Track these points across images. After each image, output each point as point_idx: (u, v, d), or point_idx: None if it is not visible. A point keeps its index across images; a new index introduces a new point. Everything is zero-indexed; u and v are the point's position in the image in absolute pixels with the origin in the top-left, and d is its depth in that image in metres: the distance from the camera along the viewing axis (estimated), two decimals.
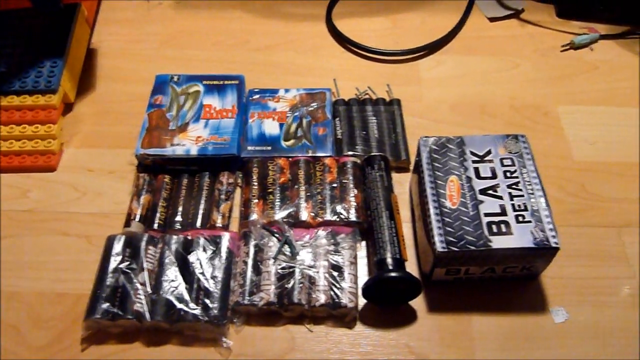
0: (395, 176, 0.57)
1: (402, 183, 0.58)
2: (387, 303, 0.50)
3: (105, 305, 0.47)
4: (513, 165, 0.51)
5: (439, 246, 0.46)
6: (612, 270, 0.52)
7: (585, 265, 0.53)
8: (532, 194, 0.49)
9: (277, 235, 0.51)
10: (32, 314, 0.49)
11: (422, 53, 0.70)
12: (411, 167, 0.58)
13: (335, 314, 0.49)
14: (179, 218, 0.53)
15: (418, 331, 0.48)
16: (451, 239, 0.47)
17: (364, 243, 0.53)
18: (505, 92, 0.67)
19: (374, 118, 0.61)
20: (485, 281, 0.51)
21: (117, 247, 0.50)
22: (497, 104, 0.65)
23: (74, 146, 0.61)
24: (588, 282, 0.51)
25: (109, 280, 0.48)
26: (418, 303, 0.50)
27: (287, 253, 0.50)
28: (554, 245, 0.46)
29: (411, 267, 0.52)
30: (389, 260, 0.48)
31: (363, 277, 0.51)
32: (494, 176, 0.50)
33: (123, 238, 0.51)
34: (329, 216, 0.53)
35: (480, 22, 0.75)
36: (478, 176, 0.50)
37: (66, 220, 0.55)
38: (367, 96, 0.64)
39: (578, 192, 0.58)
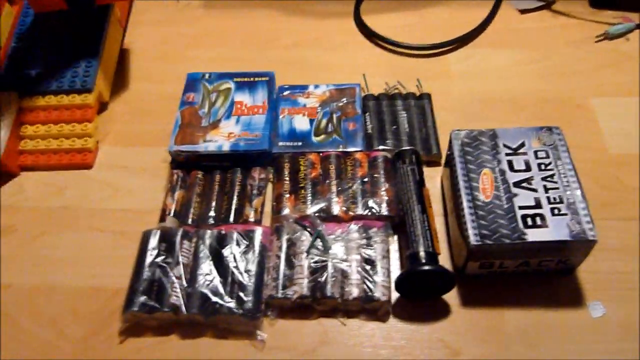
0: (426, 170, 0.57)
1: (433, 177, 0.58)
2: (420, 297, 0.49)
3: (142, 299, 0.48)
4: (547, 157, 0.50)
5: (473, 239, 0.46)
6: None
7: (621, 259, 0.51)
8: (568, 186, 0.48)
9: (309, 229, 0.52)
10: (70, 308, 0.50)
11: (451, 47, 0.70)
12: (442, 161, 0.58)
13: (368, 308, 0.49)
14: (212, 213, 0.54)
15: (451, 325, 0.48)
16: (485, 232, 0.46)
17: (396, 237, 0.53)
18: (536, 85, 0.66)
19: (404, 112, 0.61)
20: (519, 275, 0.50)
21: (153, 241, 0.51)
22: (528, 97, 0.65)
23: (108, 144, 0.63)
24: (625, 276, 0.50)
25: (146, 274, 0.49)
26: (451, 297, 0.50)
27: (320, 247, 0.50)
28: (591, 237, 0.45)
29: (444, 261, 0.51)
30: (422, 254, 0.48)
31: (396, 271, 0.51)
32: (528, 169, 0.50)
33: (158, 233, 0.52)
34: (360, 210, 0.53)
35: (510, 14, 0.74)
36: (512, 169, 0.50)
37: (102, 216, 0.56)
38: (396, 91, 0.64)
39: (613, 184, 0.57)
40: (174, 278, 0.49)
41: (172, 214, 0.54)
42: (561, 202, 0.47)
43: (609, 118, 0.62)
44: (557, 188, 0.48)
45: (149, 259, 0.50)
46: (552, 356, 0.46)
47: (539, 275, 0.50)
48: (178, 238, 0.51)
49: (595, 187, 0.56)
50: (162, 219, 0.54)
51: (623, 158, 0.59)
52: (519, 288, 0.50)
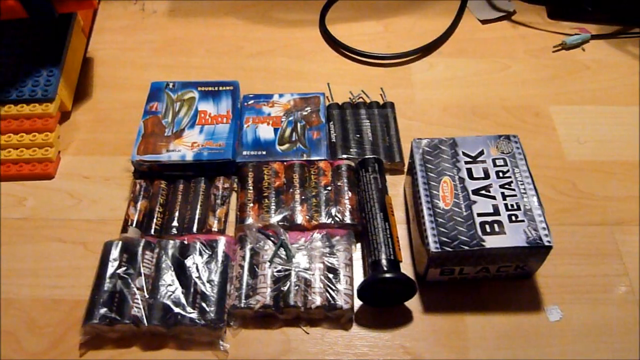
0: (389, 178, 0.58)
1: (396, 185, 0.58)
2: (382, 304, 0.50)
3: (103, 310, 0.47)
4: (505, 165, 0.51)
5: (433, 246, 0.47)
6: (605, 268, 0.52)
7: (578, 263, 0.53)
8: (525, 193, 0.50)
9: (272, 238, 0.52)
10: (28, 320, 0.49)
11: (414, 56, 0.71)
12: (405, 169, 0.59)
13: (331, 316, 0.49)
14: (175, 223, 0.54)
15: (413, 332, 0.49)
16: (445, 239, 0.47)
17: (359, 245, 0.54)
18: (497, 93, 0.67)
19: (368, 121, 0.62)
20: (479, 281, 0.51)
21: (115, 252, 0.50)
22: (489, 105, 0.66)
23: (70, 154, 0.62)
24: (582, 280, 0.52)
25: (107, 286, 0.48)
26: (413, 304, 0.50)
27: (283, 256, 0.51)
28: (547, 244, 0.46)
29: (406, 268, 0.52)
30: (384, 262, 0.48)
31: (358, 278, 0.51)
32: (486, 176, 0.51)
33: (120, 244, 0.51)
34: (324, 219, 0.53)
35: (472, 24, 0.76)
36: (471, 177, 0.51)
37: (63, 227, 0.56)
38: (360, 100, 0.65)
39: (570, 191, 0.58)
40: (135, 289, 0.48)
41: (134, 224, 0.54)
42: (518, 209, 0.49)
43: (566, 125, 0.64)
44: (514, 195, 0.49)
45: (110, 270, 0.49)
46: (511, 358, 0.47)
47: (499, 281, 0.51)
48: (140, 249, 0.51)
49: (553, 193, 0.58)
50: (124, 229, 0.53)
51: (579, 164, 0.60)
52: (479, 293, 0.51)
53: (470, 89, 0.68)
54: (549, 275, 0.52)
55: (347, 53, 0.72)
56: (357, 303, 0.50)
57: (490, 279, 0.51)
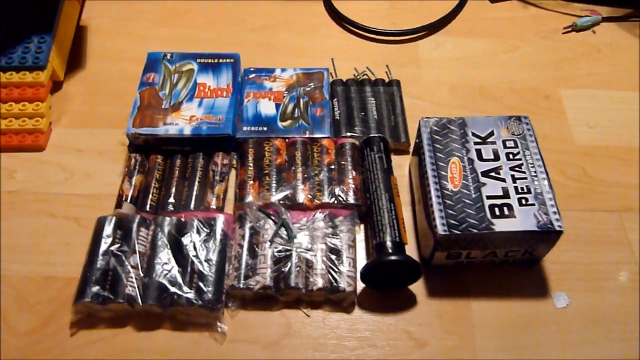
0: (394, 158, 0.56)
1: (401, 166, 0.57)
2: (386, 287, 0.48)
3: (95, 289, 0.45)
4: (516, 147, 0.50)
5: (440, 229, 0.45)
6: (613, 255, 0.51)
7: (586, 250, 0.52)
8: (536, 176, 0.48)
9: (273, 217, 0.50)
10: (18, 298, 0.48)
11: (421, 34, 0.69)
12: (411, 149, 0.57)
13: (333, 299, 0.47)
14: (171, 200, 0.52)
15: (417, 316, 0.47)
16: (452, 221, 0.45)
17: (362, 226, 0.52)
18: (505, 74, 0.65)
19: (373, 99, 0.60)
20: (486, 266, 0.50)
21: (108, 229, 0.48)
22: (497, 86, 0.64)
23: (62, 125, 0.60)
24: (589, 267, 0.51)
25: (100, 263, 0.47)
26: (418, 287, 0.49)
27: (284, 236, 0.49)
28: (557, 228, 0.45)
29: (411, 251, 0.50)
30: (389, 244, 0.47)
31: (362, 260, 0.50)
32: (496, 158, 0.49)
33: (114, 220, 0.49)
34: (326, 198, 0.51)
35: (481, 3, 0.73)
36: (480, 158, 0.49)
37: (54, 201, 0.54)
38: (365, 77, 0.63)
39: (579, 176, 0.57)
40: (129, 267, 0.47)
41: (129, 200, 0.52)
42: (529, 192, 0.47)
43: (576, 109, 0.62)
44: (525, 178, 0.48)
45: (103, 247, 0.47)
46: (518, 346, 0.46)
47: (506, 266, 0.50)
48: (135, 225, 0.49)
49: (562, 178, 0.56)
50: (119, 205, 0.51)
51: (589, 149, 0.59)
52: (485, 279, 0.49)
53: (478, 70, 0.66)
54: (556, 261, 0.51)
55: (352, 28, 0.69)
56: (360, 286, 0.48)
57: (497, 263, 0.50)
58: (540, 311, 0.48)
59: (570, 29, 0.70)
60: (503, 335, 0.47)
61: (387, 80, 0.63)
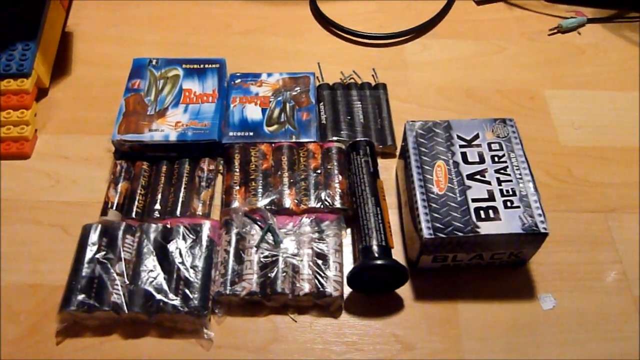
0: (380, 162, 0.56)
1: (388, 169, 0.57)
2: (373, 291, 0.48)
3: (81, 297, 0.45)
4: (501, 149, 0.50)
5: (426, 232, 0.45)
6: (599, 255, 0.51)
7: (572, 250, 0.52)
8: (521, 178, 0.48)
9: (259, 223, 0.50)
10: (3, 306, 0.47)
11: (408, 37, 0.69)
12: (397, 153, 0.57)
13: (320, 303, 0.47)
14: (157, 206, 0.52)
15: (404, 320, 0.47)
16: (438, 225, 0.45)
17: (349, 230, 0.52)
18: (491, 76, 0.66)
19: (359, 103, 0.60)
20: (472, 268, 0.50)
21: (94, 236, 0.48)
22: (483, 88, 0.64)
23: (48, 132, 0.59)
24: (576, 267, 0.51)
25: (85, 271, 0.46)
26: (404, 291, 0.49)
27: (270, 241, 0.49)
28: (542, 231, 0.45)
29: (397, 255, 0.50)
30: (375, 248, 0.47)
31: (348, 265, 0.50)
32: (481, 161, 0.49)
33: (99, 227, 0.49)
34: (313, 203, 0.51)
35: (467, 5, 0.74)
36: (465, 161, 0.49)
37: (40, 209, 0.53)
38: (352, 80, 0.63)
39: (565, 176, 0.57)
40: (115, 275, 0.46)
41: (114, 207, 0.51)
42: (514, 194, 0.47)
43: (561, 110, 0.62)
44: (510, 181, 0.48)
45: (88, 254, 0.47)
46: (505, 348, 0.46)
47: (492, 268, 0.50)
48: (120, 232, 0.48)
49: (547, 179, 0.56)
50: (104, 212, 0.51)
51: (574, 150, 0.59)
52: (472, 281, 0.49)
53: (465, 72, 0.66)
54: (542, 262, 0.51)
55: (339, 32, 0.69)
56: (347, 290, 0.48)
57: (484, 266, 0.50)
58: (527, 313, 0.48)
59: (555, 31, 0.70)
60: (490, 337, 0.47)
61: (373, 83, 0.63)
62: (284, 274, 0.47)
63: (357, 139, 0.55)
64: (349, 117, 0.59)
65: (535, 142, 0.59)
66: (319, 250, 0.49)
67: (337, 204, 0.51)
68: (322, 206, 0.51)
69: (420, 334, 0.47)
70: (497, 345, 0.46)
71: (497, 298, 0.49)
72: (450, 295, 0.49)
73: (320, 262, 0.48)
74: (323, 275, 0.47)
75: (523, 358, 0.46)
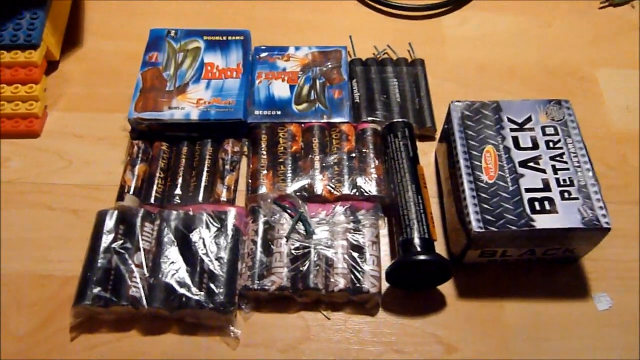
0: (418, 145, 0.51)
1: (426, 153, 0.53)
2: (413, 287, 0.45)
3: (96, 290, 0.41)
4: (556, 134, 0.45)
5: (475, 226, 0.41)
6: None
7: (629, 246, 0.48)
8: (579, 167, 0.44)
9: (289, 211, 0.46)
10: (13, 298, 0.44)
11: (446, 9, 0.64)
12: (437, 136, 0.53)
13: (356, 300, 0.44)
14: (178, 191, 0.48)
15: (447, 319, 0.44)
16: (489, 217, 0.41)
17: (386, 220, 0.48)
18: (537, 53, 0.61)
19: (395, 80, 0.56)
20: (521, 264, 0.46)
21: (109, 223, 0.45)
22: (528, 66, 0.60)
23: (59, 109, 0.55)
24: (633, 265, 0.47)
25: (101, 262, 0.43)
26: (447, 288, 0.45)
27: (301, 231, 0.45)
28: (605, 225, 0.41)
29: (439, 248, 0.46)
30: (417, 241, 0.43)
31: (386, 258, 0.46)
32: (535, 146, 0.45)
33: (115, 213, 0.45)
34: (347, 190, 0.47)
35: None
36: (517, 146, 0.45)
37: (51, 192, 0.50)
38: (386, 56, 0.59)
39: (619, 165, 0.53)
40: (133, 266, 0.43)
41: (131, 191, 0.48)
42: (572, 184, 0.43)
43: (614, 91, 0.58)
44: (567, 169, 0.44)
45: (104, 243, 0.44)
46: (556, 352, 0.43)
47: (541, 264, 0.46)
48: (138, 220, 0.45)
49: (600, 167, 0.52)
50: (121, 197, 0.47)
51: (629, 135, 0.55)
52: (519, 278, 0.46)
53: (508, 48, 0.61)
54: (597, 258, 0.47)
55: (372, 3, 0.65)
56: (385, 286, 0.44)
57: (534, 261, 0.45)
58: (580, 314, 0.44)
59: (607, 4, 0.65)
60: (539, 339, 0.43)
61: (410, 59, 0.58)
62: (317, 267, 0.43)
63: (395, 120, 0.51)
64: (384, 96, 0.54)
65: (586, 127, 0.53)
66: (354, 242, 0.45)
67: (374, 191, 0.47)
68: (357, 193, 0.47)
69: (463, 335, 0.43)
70: (547, 349, 0.43)
71: (547, 297, 0.45)
72: (496, 293, 0.45)
73: (355, 254, 0.44)
74: (359, 269, 0.43)
75: None
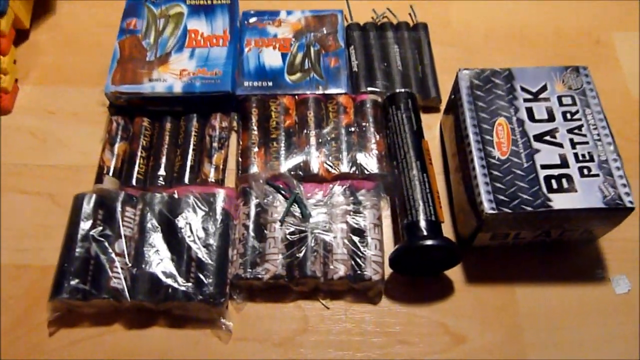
0: (422, 117, 0.48)
1: (431, 127, 0.50)
2: (418, 273, 0.42)
3: (74, 282, 0.39)
4: (574, 104, 0.42)
5: (487, 207, 0.38)
6: None
7: None
8: (599, 140, 0.40)
9: (283, 192, 0.43)
10: None
11: None
12: (442, 107, 0.49)
13: (357, 288, 0.41)
14: (162, 172, 0.45)
15: (455, 306, 0.42)
16: (502, 197, 0.38)
17: (388, 200, 0.45)
18: (548, 16, 0.58)
19: (396, 46, 0.52)
20: (535, 246, 0.43)
21: (87, 208, 0.42)
22: (539, 30, 0.57)
23: (31, 83, 0.53)
24: None
25: (78, 251, 0.40)
26: (455, 273, 0.43)
27: (297, 214, 0.42)
28: (628, 205, 0.38)
29: (447, 230, 0.44)
30: (423, 224, 0.40)
31: (388, 242, 0.43)
32: (551, 118, 0.41)
33: (94, 197, 0.42)
34: (345, 168, 0.44)
35: None
36: (532, 118, 0.41)
37: (24, 174, 0.47)
38: (386, 20, 0.55)
39: (637, 135, 0.49)
40: (114, 255, 0.40)
41: (111, 172, 0.45)
42: (591, 160, 0.40)
43: (632, 56, 0.55)
44: (586, 143, 0.40)
45: (82, 231, 0.41)
46: (572, 340, 0.40)
47: (556, 246, 0.43)
48: (119, 204, 0.42)
49: (618, 139, 0.48)
50: (99, 179, 0.45)
51: None
52: (532, 261, 0.44)
53: (517, 10, 0.58)
54: (615, 239, 0.44)
55: None
56: (388, 271, 0.42)
57: (548, 243, 0.42)
58: (597, 298, 0.42)
59: None
60: (554, 327, 0.41)
61: (411, 23, 0.54)
62: (315, 253, 0.41)
63: (397, 91, 0.47)
64: (384, 64, 0.51)
65: (602, 94, 0.50)
66: (354, 225, 0.42)
67: (375, 169, 0.44)
68: (356, 171, 0.44)
69: (472, 324, 0.41)
70: (563, 337, 0.41)
71: (562, 280, 0.43)
72: (508, 277, 0.43)
73: (356, 239, 0.41)
74: (360, 255, 0.40)
75: (595, 353, 0.40)
